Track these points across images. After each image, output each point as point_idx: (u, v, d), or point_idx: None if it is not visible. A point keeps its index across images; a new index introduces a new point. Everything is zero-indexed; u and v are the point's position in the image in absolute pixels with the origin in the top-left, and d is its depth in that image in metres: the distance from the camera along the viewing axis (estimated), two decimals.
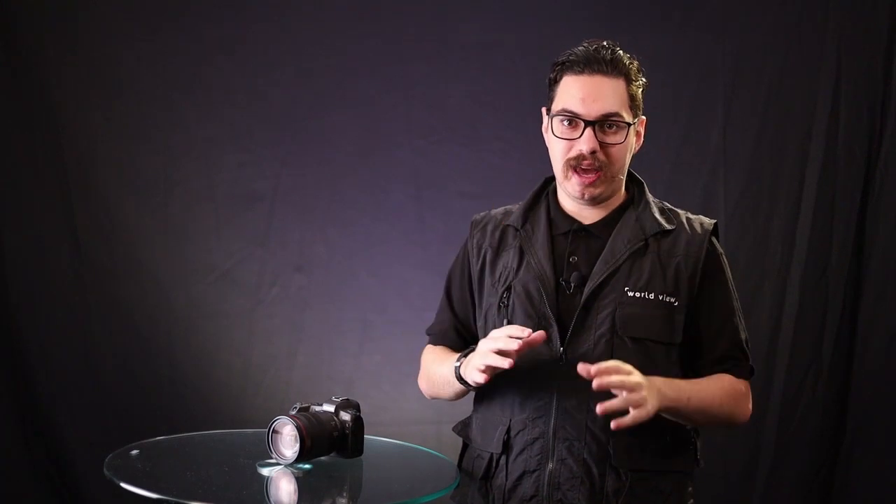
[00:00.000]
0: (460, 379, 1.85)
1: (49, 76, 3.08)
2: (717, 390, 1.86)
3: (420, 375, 2.07)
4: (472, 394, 1.99)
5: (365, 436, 1.91)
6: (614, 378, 1.69)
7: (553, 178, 1.98)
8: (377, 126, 3.17)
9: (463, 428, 1.99)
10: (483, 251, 1.97)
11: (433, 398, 2.07)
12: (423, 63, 3.16)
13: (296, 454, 1.77)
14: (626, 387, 1.69)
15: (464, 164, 3.16)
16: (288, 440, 1.79)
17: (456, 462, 1.98)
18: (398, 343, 3.08)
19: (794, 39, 3.10)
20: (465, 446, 1.99)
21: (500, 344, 1.73)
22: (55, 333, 3.10)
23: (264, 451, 1.81)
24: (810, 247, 3.08)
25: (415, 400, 3.11)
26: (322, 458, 1.84)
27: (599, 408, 1.69)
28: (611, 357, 1.78)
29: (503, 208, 2.03)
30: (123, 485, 1.66)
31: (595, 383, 1.68)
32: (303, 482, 1.77)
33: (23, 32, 3.06)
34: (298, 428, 1.77)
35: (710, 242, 1.91)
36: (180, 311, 3.13)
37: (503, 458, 1.86)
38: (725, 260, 1.94)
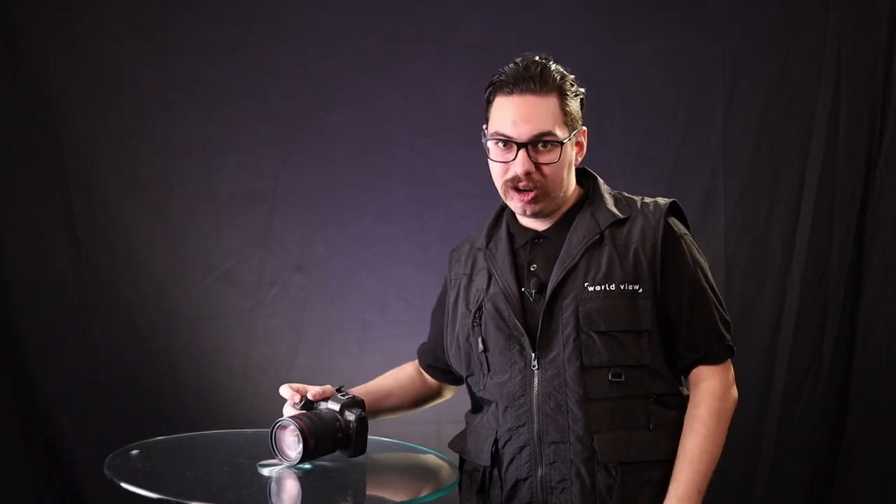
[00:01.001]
0: None
1: (49, 76, 3.08)
2: (704, 439, 1.82)
3: None
4: (463, 407, 2.02)
5: None
6: None
7: None
8: (377, 126, 3.17)
9: (459, 443, 2.01)
10: (458, 281, 2.00)
11: None
12: (423, 63, 3.16)
13: (300, 455, 1.76)
14: None
15: (464, 164, 3.16)
16: (291, 441, 1.78)
17: (457, 465, 1.98)
18: (398, 343, 3.08)
19: (794, 39, 3.10)
20: (463, 461, 1.99)
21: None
22: (55, 333, 3.10)
23: (264, 451, 1.81)
24: (810, 247, 3.08)
25: None
26: (325, 457, 1.84)
27: None
28: (580, 356, 1.80)
29: (480, 231, 2.03)
30: (123, 485, 1.66)
31: None
32: (303, 482, 1.77)
33: (23, 32, 3.06)
34: (301, 430, 1.77)
35: (667, 224, 1.87)
36: (180, 311, 3.13)
37: (495, 470, 1.87)
38: (689, 240, 1.89)
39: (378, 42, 3.16)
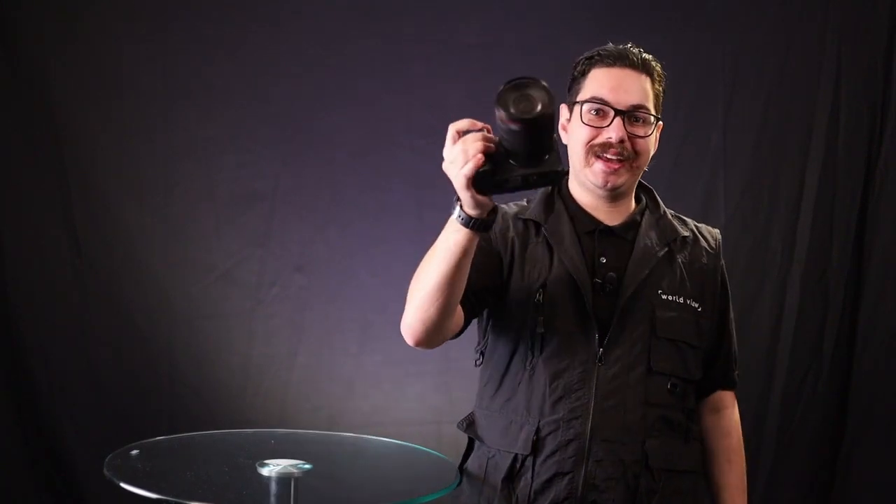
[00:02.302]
0: (468, 221, 1.58)
1: (49, 76, 3.08)
2: (743, 471, 1.99)
3: (407, 306, 1.78)
4: (470, 395, 1.98)
5: (365, 436, 1.90)
6: None
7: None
8: (377, 126, 3.17)
9: (469, 426, 1.94)
10: (510, 241, 1.88)
11: (417, 324, 1.76)
12: (423, 63, 3.16)
13: (540, 109, 1.44)
14: None
15: None
16: (533, 95, 1.47)
17: (458, 463, 1.94)
18: (398, 343, 3.04)
19: (794, 39, 3.11)
20: (470, 446, 1.95)
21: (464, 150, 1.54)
22: (55, 333, 3.10)
23: (264, 451, 1.80)
24: (810, 247, 3.08)
25: (415, 400, 3.11)
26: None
27: None
28: (648, 358, 1.81)
29: (512, 203, 1.96)
30: (123, 485, 1.66)
31: None
32: (302, 482, 1.77)
33: (23, 32, 3.06)
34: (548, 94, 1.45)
35: (720, 255, 1.97)
36: (180, 311, 3.13)
37: (530, 459, 1.82)
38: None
39: (378, 42, 3.16)
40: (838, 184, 3.09)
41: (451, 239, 1.64)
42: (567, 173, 1.69)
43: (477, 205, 1.55)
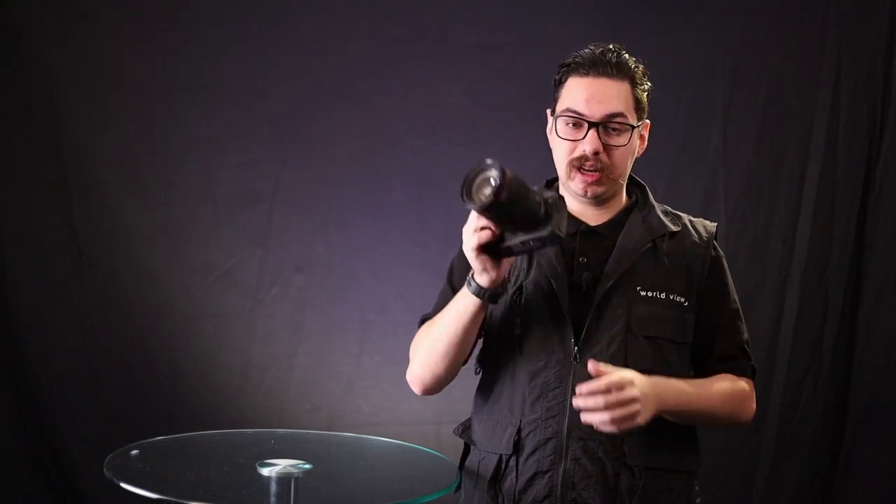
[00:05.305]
0: (478, 291, 1.75)
1: (49, 76, 3.08)
2: (719, 391, 1.88)
3: (413, 358, 1.95)
4: (470, 395, 1.98)
5: (365, 436, 1.90)
6: (602, 400, 1.69)
7: (554, 180, 1.99)
8: (377, 126, 3.17)
9: (464, 430, 1.98)
10: None
11: (427, 378, 1.92)
12: (423, 63, 3.16)
13: (489, 199, 1.61)
14: (619, 403, 1.69)
15: (464, 164, 3.14)
16: (485, 183, 1.65)
17: (457, 465, 1.96)
18: (398, 343, 3.05)
19: (794, 39, 3.11)
20: (467, 450, 1.98)
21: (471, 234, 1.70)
22: (55, 333, 3.10)
23: (264, 450, 1.80)
24: (810, 247, 3.08)
25: (415, 400, 3.11)
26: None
27: (582, 415, 1.71)
28: (625, 356, 1.80)
29: None
30: (123, 485, 1.66)
31: (582, 402, 1.69)
32: (302, 482, 1.77)
33: (23, 32, 3.06)
34: (502, 173, 1.62)
35: (714, 245, 1.95)
36: (180, 311, 3.13)
37: (513, 458, 1.85)
38: (725, 262, 1.97)
39: (378, 42, 3.16)
40: (838, 184, 3.09)
41: (461, 304, 1.80)
42: (562, 236, 1.69)
43: (485, 272, 1.71)
